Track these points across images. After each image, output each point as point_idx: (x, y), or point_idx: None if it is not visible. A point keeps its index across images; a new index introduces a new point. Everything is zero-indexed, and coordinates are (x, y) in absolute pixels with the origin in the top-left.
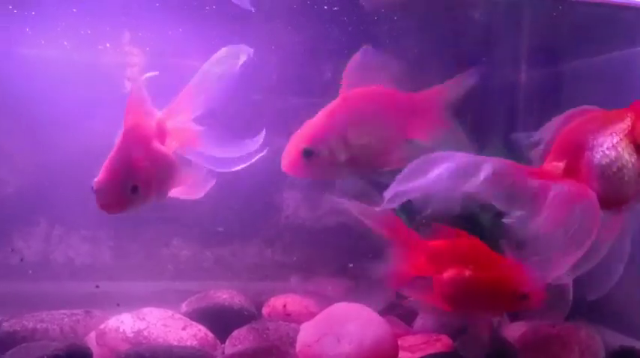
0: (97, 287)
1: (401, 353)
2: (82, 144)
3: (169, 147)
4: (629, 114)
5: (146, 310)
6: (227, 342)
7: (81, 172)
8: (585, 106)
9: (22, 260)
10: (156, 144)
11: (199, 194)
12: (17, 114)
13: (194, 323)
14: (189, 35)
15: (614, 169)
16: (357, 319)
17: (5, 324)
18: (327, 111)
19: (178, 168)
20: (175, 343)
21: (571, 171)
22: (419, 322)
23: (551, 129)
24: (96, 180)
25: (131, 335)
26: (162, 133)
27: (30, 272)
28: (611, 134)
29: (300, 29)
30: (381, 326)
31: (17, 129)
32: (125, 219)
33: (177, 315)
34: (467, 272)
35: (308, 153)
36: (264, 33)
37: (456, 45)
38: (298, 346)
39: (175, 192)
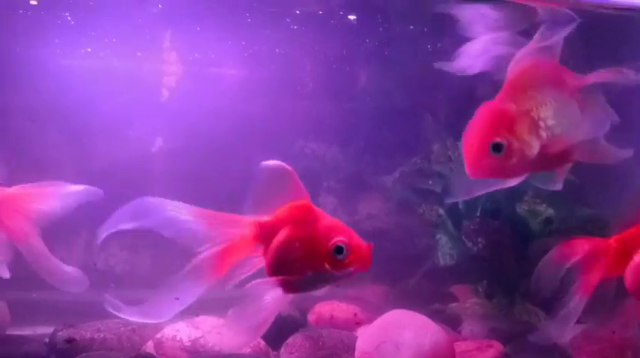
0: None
1: None
2: (120, 153)
3: None
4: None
5: (199, 318)
6: (282, 350)
7: (121, 180)
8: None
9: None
10: None
11: None
12: (60, 124)
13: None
14: (226, 44)
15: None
16: (413, 326)
17: (60, 334)
18: (505, 91)
19: None
20: (228, 351)
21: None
22: (467, 328)
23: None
24: None
25: (188, 343)
26: None
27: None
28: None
29: (329, 38)
30: (437, 333)
31: (60, 139)
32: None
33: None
34: None
35: (497, 148)
36: (297, 39)
37: None
38: (357, 353)
39: None
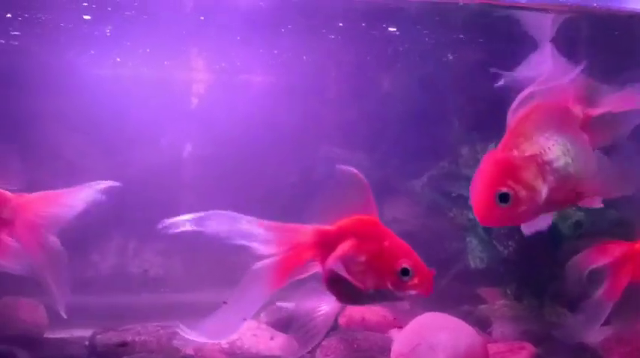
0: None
1: None
2: (152, 160)
3: None
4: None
5: None
6: (318, 352)
7: (152, 187)
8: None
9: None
10: None
11: None
12: (92, 132)
13: (279, 333)
14: (256, 51)
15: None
16: (448, 328)
17: (99, 337)
18: (508, 139)
19: None
20: (267, 353)
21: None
22: (497, 329)
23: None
24: None
25: (226, 346)
26: None
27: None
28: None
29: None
30: (472, 335)
31: (92, 147)
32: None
33: (263, 325)
34: None
35: (504, 199)
36: (330, 46)
37: None
38: (393, 356)
39: None
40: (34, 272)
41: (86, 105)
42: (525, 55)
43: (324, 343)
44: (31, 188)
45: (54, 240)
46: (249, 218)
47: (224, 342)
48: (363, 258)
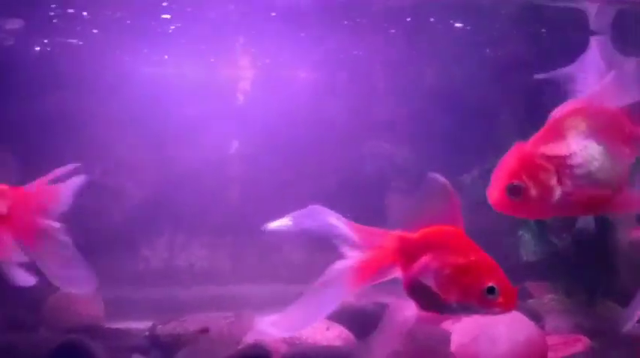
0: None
1: None
2: (199, 156)
3: None
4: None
5: None
6: (375, 343)
7: (199, 183)
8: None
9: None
10: None
11: None
12: (141, 130)
13: (334, 324)
14: (302, 47)
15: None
16: (507, 320)
17: (160, 327)
18: (541, 133)
19: None
20: (324, 343)
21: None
22: (550, 323)
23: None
24: None
25: (286, 335)
26: None
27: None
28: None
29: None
30: (530, 327)
31: (141, 144)
32: (240, 226)
33: None
34: None
35: (514, 191)
36: (374, 42)
37: None
38: (453, 346)
39: None
40: (38, 264)
41: (137, 102)
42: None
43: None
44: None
45: (56, 230)
46: (337, 215)
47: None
48: (447, 271)
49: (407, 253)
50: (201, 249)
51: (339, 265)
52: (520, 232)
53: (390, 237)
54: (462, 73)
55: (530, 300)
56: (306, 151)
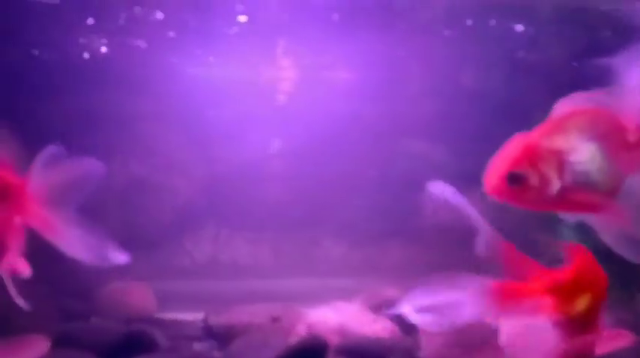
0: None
1: None
2: (242, 155)
3: None
4: None
5: (339, 304)
6: (421, 337)
7: (242, 180)
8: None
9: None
10: None
11: None
12: (189, 129)
13: (380, 317)
14: (343, 48)
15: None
16: None
17: (212, 318)
18: (545, 126)
19: None
20: (372, 335)
21: None
22: None
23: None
24: None
25: (337, 327)
26: None
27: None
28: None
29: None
30: None
31: (189, 143)
32: (282, 222)
33: (365, 310)
34: None
35: (515, 179)
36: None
37: None
38: (503, 337)
39: None
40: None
41: (183, 103)
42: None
43: None
44: (132, 181)
45: (67, 218)
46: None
47: (334, 323)
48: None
49: (559, 291)
50: (244, 243)
51: (484, 280)
52: (559, 229)
53: (547, 273)
54: (511, 75)
55: None
56: (345, 150)
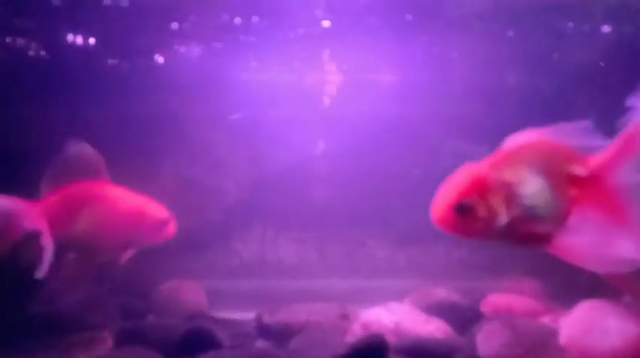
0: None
1: None
2: (289, 156)
3: None
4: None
5: (392, 305)
6: (479, 336)
7: (287, 183)
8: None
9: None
10: None
11: None
12: (238, 131)
13: (432, 317)
14: (385, 51)
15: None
16: (615, 313)
17: (266, 317)
18: (495, 158)
19: None
20: (425, 335)
21: None
22: None
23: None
24: None
25: (392, 326)
26: None
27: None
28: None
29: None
30: (635, 320)
31: (238, 145)
32: (326, 223)
33: (416, 310)
34: None
35: (464, 209)
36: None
37: None
38: (565, 340)
39: None
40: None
41: (234, 107)
42: None
43: (485, 328)
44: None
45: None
46: None
47: (389, 323)
48: None
49: None
50: (290, 243)
51: None
52: None
53: None
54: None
55: (626, 298)
56: (390, 151)
